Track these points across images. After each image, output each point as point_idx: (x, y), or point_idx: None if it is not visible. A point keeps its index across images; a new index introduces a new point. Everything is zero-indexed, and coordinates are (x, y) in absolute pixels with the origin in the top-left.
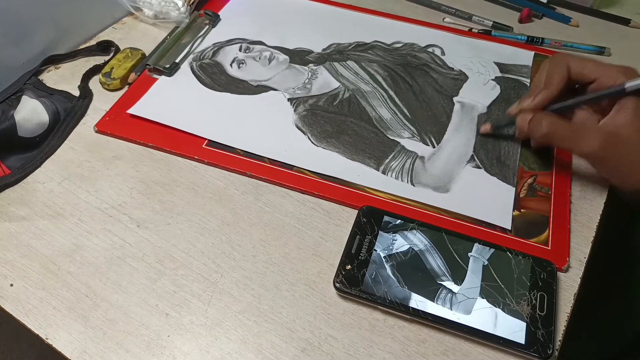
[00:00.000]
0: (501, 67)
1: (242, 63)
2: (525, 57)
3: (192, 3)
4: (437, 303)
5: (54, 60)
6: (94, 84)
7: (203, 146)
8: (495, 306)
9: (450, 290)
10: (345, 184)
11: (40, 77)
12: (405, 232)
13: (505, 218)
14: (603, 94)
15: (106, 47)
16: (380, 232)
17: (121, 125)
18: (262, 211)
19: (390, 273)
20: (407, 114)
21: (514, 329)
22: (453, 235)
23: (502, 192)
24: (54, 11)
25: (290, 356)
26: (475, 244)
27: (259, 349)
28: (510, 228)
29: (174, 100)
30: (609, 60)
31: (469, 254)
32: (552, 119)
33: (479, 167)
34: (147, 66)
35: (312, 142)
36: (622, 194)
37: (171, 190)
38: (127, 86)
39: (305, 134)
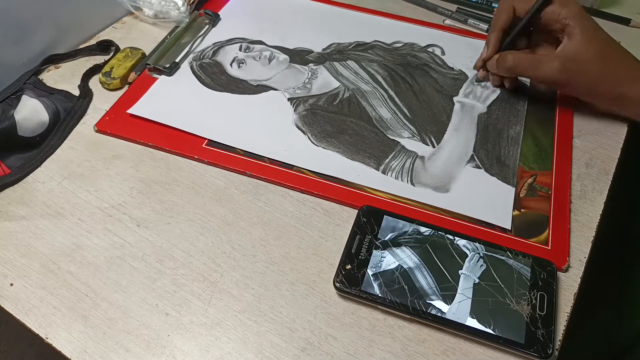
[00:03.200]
0: None
1: (242, 63)
2: None
3: (192, 2)
4: (438, 302)
5: (54, 59)
6: (94, 83)
7: (203, 146)
8: (495, 306)
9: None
10: (345, 184)
11: (41, 76)
12: (397, 250)
13: (505, 218)
14: (532, 12)
15: (106, 46)
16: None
17: (121, 124)
18: (262, 211)
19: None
20: (407, 113)
21: (514, 328)
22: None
23: (502, 192)
24: (54, 11)
25: (290, 356)
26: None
27: (259, 349)
28: (510, 228)
29: (173, 99)
30: None
31: (460, 271)
32: (515, 53)
33: (479, 167)
34: (147, 66)
35: (312, 142)
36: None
37: (171, 190)
38: (127, 86)
39: (305, 134)
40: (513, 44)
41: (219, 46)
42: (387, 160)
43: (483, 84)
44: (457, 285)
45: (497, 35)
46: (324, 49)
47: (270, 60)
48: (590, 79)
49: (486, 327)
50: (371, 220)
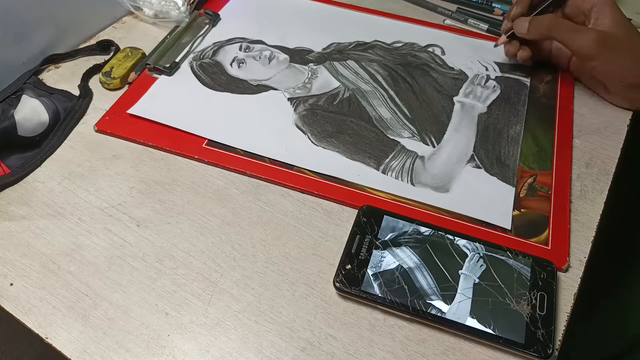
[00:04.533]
0: (501, 66)
1: (242, 62)
2: None
3: (192, 2)
4: (438, 302)
5: (54, 59)
6: (94, 83)
7: (203, 146)
8: (495, 306)
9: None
10: (345, 184)
11: (41, 76)
12: (397, 250)
13: (505, 218)
14: None
15: (106, 46)
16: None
17: (121, 124)
18: (262, 211)
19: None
20: (407, 113)
21: (514, 328)
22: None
23: (502, 192)
24: (54, 10)
25: (290, 356)
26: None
27: (259, 349)
28: (510, 228)
29: (174, 99)
30: None
31: (460, 271)
32: (552, 16)
33: (479, 167)
34: (147, 65)
35: (312, 142)
36: (611, 96)
37: (171, 190)
38: (127, 86)
39: (305, 134)
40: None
41: (219, 46)
42: (387, 160)
43: (483, 84)
44: (457, 285)
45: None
46: (324, 49)
47: (270, 60)
48: (622, 58)
49: (486, 327)
50: (371, 220)
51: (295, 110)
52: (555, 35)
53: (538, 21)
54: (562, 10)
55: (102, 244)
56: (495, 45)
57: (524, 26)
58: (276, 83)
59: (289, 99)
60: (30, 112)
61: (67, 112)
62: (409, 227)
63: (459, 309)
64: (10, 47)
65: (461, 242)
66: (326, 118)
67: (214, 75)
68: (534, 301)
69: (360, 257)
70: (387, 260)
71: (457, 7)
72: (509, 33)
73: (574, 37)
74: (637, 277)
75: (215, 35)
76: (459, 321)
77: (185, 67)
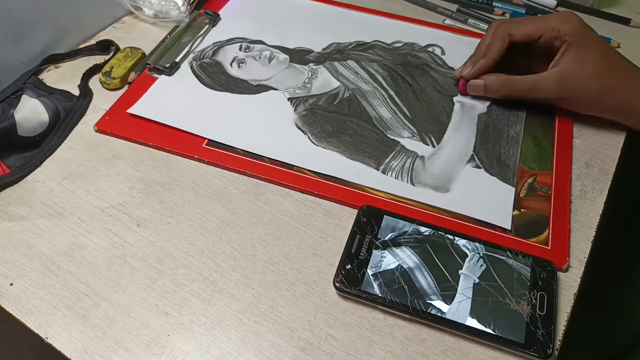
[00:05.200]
0: None
1: (242, 62)
2: None
3: (192, 2)
4: (438, 302)
5: (54, 59)
6: (94, 83)
7: (203, 145)
8: (495, 306)
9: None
10: (345, 184)
11: (40, 76)
12: (397, 250)
13: (505, 218)
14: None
15: (106, 46)
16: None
17: (121, 124)
18: (262, 211)
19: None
20: (407, 113)
21: (514, 328)
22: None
23: (502, 192)
24: (54, 10)
25: (290, 356)
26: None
27: (258, 349)
28: (510, 228)
29: (174, 99)
30: None
31: (460, 271)
32: (505, 78)
33: (479, 167)
34: (147, 65)
35: (312, 142)
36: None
37: (171, 190)
38: (127, 85)
39: (305, 134)
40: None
41: (219, 46)
42: (387, 160)
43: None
44: (457, 285)
45: (487, 65)
46: (324, 49)
47: (270, 60)
48: (588, 95)
49: (486, 327)
50: (371, 220)
51: (295, 110)
52: (515, 96)
53: (493, 86)
54: (537, 43)
55: (102, 244)
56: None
57: (479, 88)
58: (276, 83)
59: (289, 99)
60: (30, 112)
61: (67, 112)
62: (409, 227)
63: (459, 309)
64: (10, 47)
65: (461, 242)
66: (326, 118)
67: (214, 75)
68: (534, 301)
69: (360, 257)
70: (387, 260)
71: (457, 7)
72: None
73: (535, 91)
74: (637, 277)
75: (215, 35)
76: (459, 321)
77: (185, 67)
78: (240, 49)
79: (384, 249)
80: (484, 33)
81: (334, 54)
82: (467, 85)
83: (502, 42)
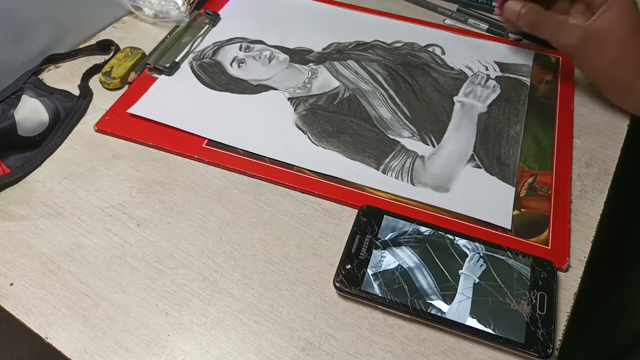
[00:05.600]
0: (502, 66)
1: (242, 62)
2: (525, 56)
3: (192, 2)
4: (438, 302)
5: (54, 59)
6: (94, 83)
7: (203, 145)
8: (495, 306)
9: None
10: (345, 184)
11: (40, 76)
12: (397, 250)
13: (505, 218)
14: None
15: (106, 46)
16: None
17: (121, 124)
18: (262, 211)
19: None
20: (407, 113)
21: (513, 328)
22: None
23: (502, 192)
24: (54, 10)
25: (290, 355)
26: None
27: (258, 349)
28: (510, 228)
29: (174, 99)
30: None
31: (460, 271)
32: (540, 11)
33: (479, 167)
34: (147, 65)
35: (312, 142)
36: (602, 90)
37: (171, 190)
38: (127, 85)
39: (305, 134)
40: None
41: (219, 46)
42: (387, 160)
43: (483, 84)
44: (457, 285)
45: None
46: (324, 49)
47: (270, 59)
48: (604, 61)
49: (486, 327)
50: (371, 220)
51: (295, 110)
52: (539, 32)
53: (528, 12)
54: None
55: (102, 244)
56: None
57: (514, 11)
58: (276, 83)
59: (289, 98)
60: (30, 112)
61: (67, 112)
62: (409, 227)
63: (459, 309)
64: (10, 47)
65: (461, 242)
66: (326, 118)
67: (214, 75)
68: (534, 301)
69: (360, 257)
70: (387, 260)
71: (457, 7)
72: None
73: (555, 37)
74: (637, 277)
75: (215, 35)
76: (459, 321)
77: (185, 67)
78: (240, 49)
79: (384, 249)
80: (484, 33)
81: (334, 54)
82: (505, 5)
83: None
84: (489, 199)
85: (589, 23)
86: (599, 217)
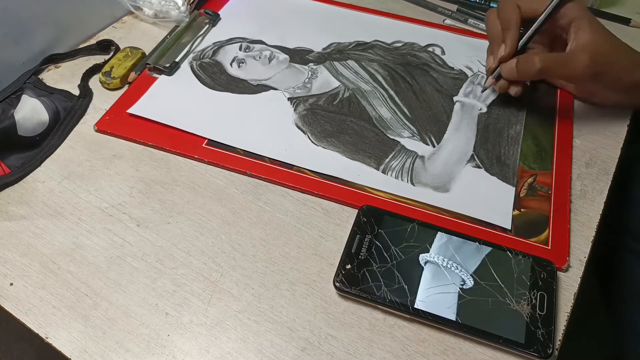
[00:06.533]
0: None
1: (242, 62)
2: None
3: (192, 2)
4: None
5: (54, 59)
6: (94, 83)
7: (203, 145)
8: (495, 306)
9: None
10: (346, 184)
11: (40, 76)
12: (396, 250)
13: (505, 218)
14: (551, 9)
15: (106, 46)
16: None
17: (121, 124)
18: (262, 210)
19: (389, 272)
20: (407, 113)
21: (513, 328)
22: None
23: (502, 192)
24: (54, 10)
25: (290, 355)
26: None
27: (258, 348)
28: (510, 228)
29: (174, 99)
30: None
31: (459, 271)
32: (541, 54)
33: (479, 167)
34: (147, 65)
35: (312, 142)
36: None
37: (171, 190)
38: (127, 85)
39: (305, 134)
40: (525, 45)
41: (219, 46)
42: (387, 160)
43: (483, 84)
44: (458, 285)
45: (515, 34)
46: (324, 49)
47: (270, 59)
48: (615, 68)
49: (486, 327)
50: (371, 220)
51: (295, 110)
52: (549, 73)
53: (527, 64)
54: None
55: (102, 244)
56: (483, 90)
57: (513, 71)
58: (276, 83)
59: (289, 98)
60: (30, 112)
61: (67, 112)
62: (409, 227)
63: (458, 309)
64: (10, 47)
65: (460, 242)
66: (326, 118)
67: (214, 75)
68: (534, 301)
69: (360, 257)
70: (387, 259)
71: (457, 7)
72: (496, 74)
73: (567, 69)
74: (637, 276)
75: (215, 35)
76: (459, 321)
77: (185, 66)
78: (240, 49)
79: (384, 248)
80: (484, 33)
81: (334, 54)
82: (502, 68)
83: (515, 12)
84: (489, 199)
85: (580, 44)
86: (599, 217)
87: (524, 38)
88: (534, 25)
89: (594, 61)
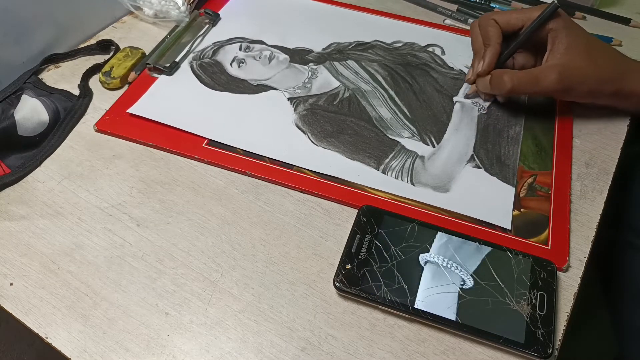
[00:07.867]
0: None
1: (242, 62)
2: None
3: (192, 2)
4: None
5: (54, 59)
6: (94, 83)
7: (203, 145)
8: (495, 306)
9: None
10: (346, 184)
11: (40, 76)
12: (396, 250)
13: (505, 218)
14: (532, 28)
15: (106, 46)
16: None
17: (121, 124)
18: (262, 210)
19: (389, 272)
20: (407, 113)
21: (513, 328)
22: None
23: (502, 192)
24: (54, 10)
25: (290, 355)
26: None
27: (258, 348)
28: (510, 228)
29: (174, 99)
30: None
31: (459, 271)
32: (510, 73)
33: (479, 167)
34: (147, 65)
35: (312, 142)
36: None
37: (171, 190)
38: (127, 85)
39: (305, 134)
40: (504, 61)
41: (219, 46)
42: (387, 160)
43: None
44: (458, 285)
45: (495, 50)
46: (324, 49)
47: (270, 59)
48: (588, 81)
49: (486, 327)
50: (371, 220)
51: (295, 110)
52: (519, 91)
53: (500, 83)
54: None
55: (102, 244)
56: (466, 97)
57: (487, 87)
58: (276, 83)
59: (289, 98)
60: (30, 112)
61: (67, 112)
62: (409, 227)
63: (458, 309)
64: (10, 47)
65: (460, 242)
66: (326, 118)
67: (214, 75)
68: (534, 301)
69: (360, 257)
70: (387, 259)
71: (457, 7)
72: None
73: (537, 87)
74: (637, 276)
75: (215, 35)
76: (459, 321)
77: (185, 66)
78: (240, 49)
79: (384, 248)
80: None
81: (334, 54)
82: (477, 83)
83: (494, 28)
84: (489, 199)
85: (551, 57)
86: (599, 217)
87: (504, 54)
88: (513, 45)
89: (562, 79)
